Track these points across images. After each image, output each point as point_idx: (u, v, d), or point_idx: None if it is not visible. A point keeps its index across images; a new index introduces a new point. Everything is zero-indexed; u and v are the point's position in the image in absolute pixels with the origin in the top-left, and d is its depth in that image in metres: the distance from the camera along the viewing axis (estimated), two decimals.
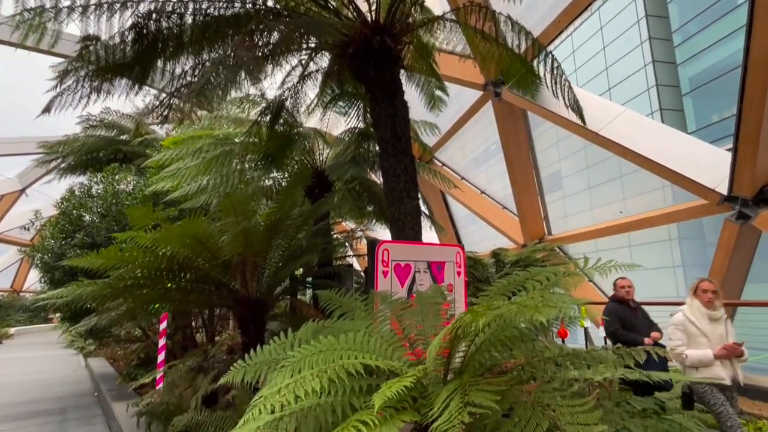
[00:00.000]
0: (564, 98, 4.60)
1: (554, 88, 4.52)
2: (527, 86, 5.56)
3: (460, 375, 2.25)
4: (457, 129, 12.62)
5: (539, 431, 1.62)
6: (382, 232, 9.97)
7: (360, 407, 2.09)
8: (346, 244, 9.07)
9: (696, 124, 18.15)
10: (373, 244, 3.75)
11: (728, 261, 7.64)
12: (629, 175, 17.86)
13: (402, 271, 3.86)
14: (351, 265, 7.64)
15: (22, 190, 23.81)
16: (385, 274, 3.77)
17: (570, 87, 4.63)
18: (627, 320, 4.63)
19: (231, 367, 2.62)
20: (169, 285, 4.54)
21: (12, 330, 24.21)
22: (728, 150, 7.06)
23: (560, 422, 1.60)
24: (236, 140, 5.92)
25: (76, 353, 15.82)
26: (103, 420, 7.01)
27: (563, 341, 7.19)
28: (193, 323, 9.41)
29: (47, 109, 4.46)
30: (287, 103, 5.13)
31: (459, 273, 4.15)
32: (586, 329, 7.87)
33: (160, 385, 6.12)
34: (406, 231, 3.97)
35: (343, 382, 2.10)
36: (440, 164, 14.24)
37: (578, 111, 4.82)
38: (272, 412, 2.05)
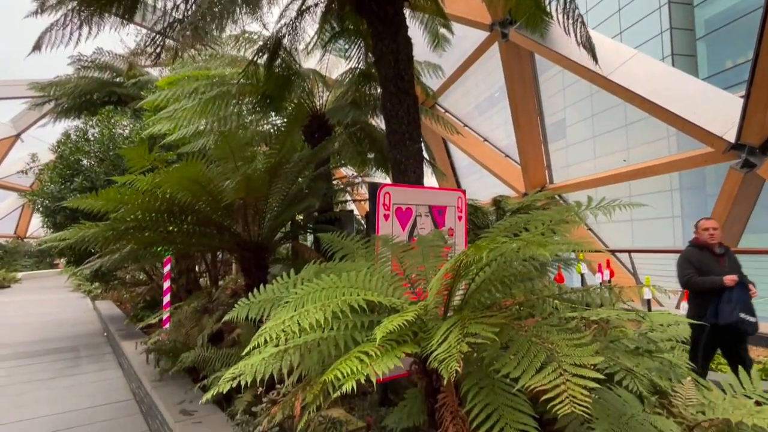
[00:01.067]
0: (576, 35, 4.38)
1: (566, 24, 4.29)
2: (536, 24, 5.28)
3: (459, 312, 2.30)
4: (461, 73, 12.25)
5: (536, 362, 1.68)
6: (383, 180, 9.92)
7: (362, 341, 2.15)
8: (347, 189, 9.03)
9: (708, 70, 17.54)
10: (374, 187, 3.73)
11: (729, 210, 7.65)
12: (635, 124, 17.51)
13: (403, 215, 3.86)
14: (351, 211, 7.65)
15: (17, 136, 23.48)
16: (386, 217, 3.77)
17: (583, 23, 4.39)
18: (706, 269, 3.88)
19: (235, 305, 2.68)
20: (170, 228, 4.56)
21: (19, 275, 24.72)
22: (741, 96, 6.87)
23: (557, 354, 1.65)
24: (233, 81, 5.73)
25: (84, 296, 16.23)
26: (114, 357, 7.31)
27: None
28: (197, 268, 9.59)
29: (37, 47, 4.28)
30: (285, 41, 4.90)
31: (460, 217, 4.15)
32: (582, 275, 8.04)
33: (167, 325, 6.32)
34: (408, 174, 3.92)
35: (346, 317, 2.16)
36: (443, 110, 13.94)
37: (590, 49, 4.61)
38: (277, 344, 2.12)
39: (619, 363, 2.55)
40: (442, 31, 6.52)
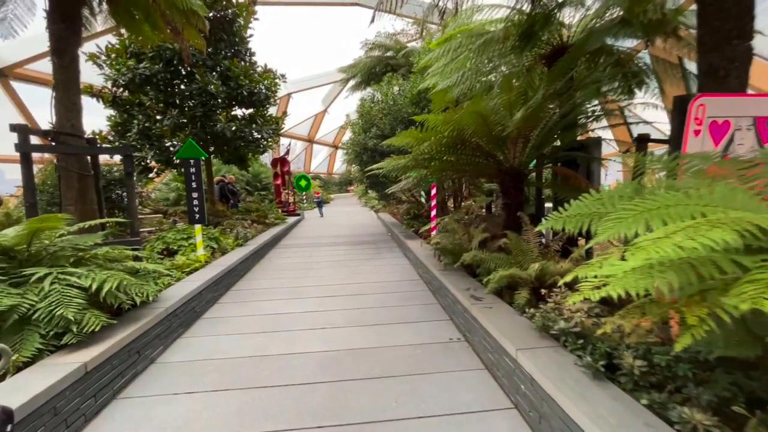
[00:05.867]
0: None
1: None
2: None
3: None
4: None
5: None
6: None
7: (750, 268, 1.36)
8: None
9: None
10: (682, 100, 2.55)
11: None
12: None
13: (718, 129, 2.57)
14: (600, 137, 6.12)
15: (325, 110, 28.22)
16: (696, 133, 2.57)
17: None
18: None
19: (545, 217, 2.20)
20: (451, 158, 4.39)
21: (332, 196, 31.15)
22: None
23: None
24: (491, 29, 4.94)
25: (369, 210, 19.14)
26: (400, 250, 8.16)
27: None
28: (445, 194, 9.78)
29: (372, 20, 4.52)
30: None
31: None
32: None
33: (434, 231, 6.56)
34: (729, 81, 2.53)
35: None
36: None
37: None
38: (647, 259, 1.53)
39: None
40: None
